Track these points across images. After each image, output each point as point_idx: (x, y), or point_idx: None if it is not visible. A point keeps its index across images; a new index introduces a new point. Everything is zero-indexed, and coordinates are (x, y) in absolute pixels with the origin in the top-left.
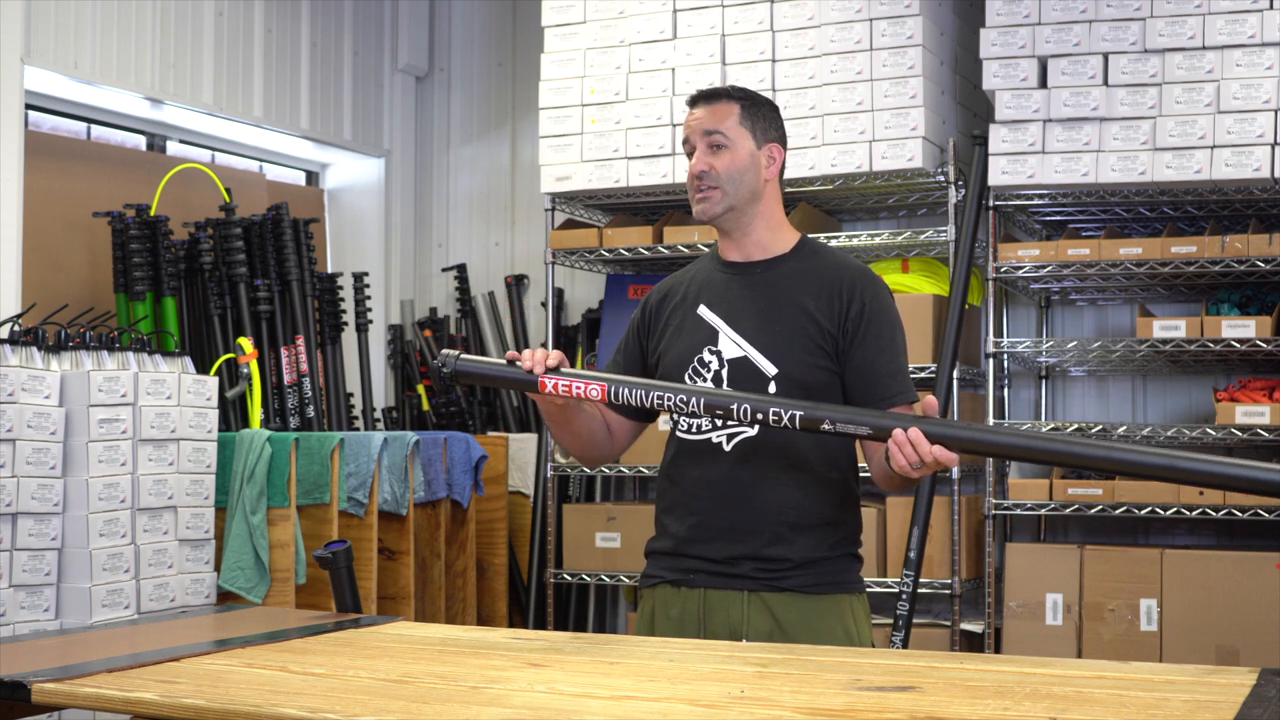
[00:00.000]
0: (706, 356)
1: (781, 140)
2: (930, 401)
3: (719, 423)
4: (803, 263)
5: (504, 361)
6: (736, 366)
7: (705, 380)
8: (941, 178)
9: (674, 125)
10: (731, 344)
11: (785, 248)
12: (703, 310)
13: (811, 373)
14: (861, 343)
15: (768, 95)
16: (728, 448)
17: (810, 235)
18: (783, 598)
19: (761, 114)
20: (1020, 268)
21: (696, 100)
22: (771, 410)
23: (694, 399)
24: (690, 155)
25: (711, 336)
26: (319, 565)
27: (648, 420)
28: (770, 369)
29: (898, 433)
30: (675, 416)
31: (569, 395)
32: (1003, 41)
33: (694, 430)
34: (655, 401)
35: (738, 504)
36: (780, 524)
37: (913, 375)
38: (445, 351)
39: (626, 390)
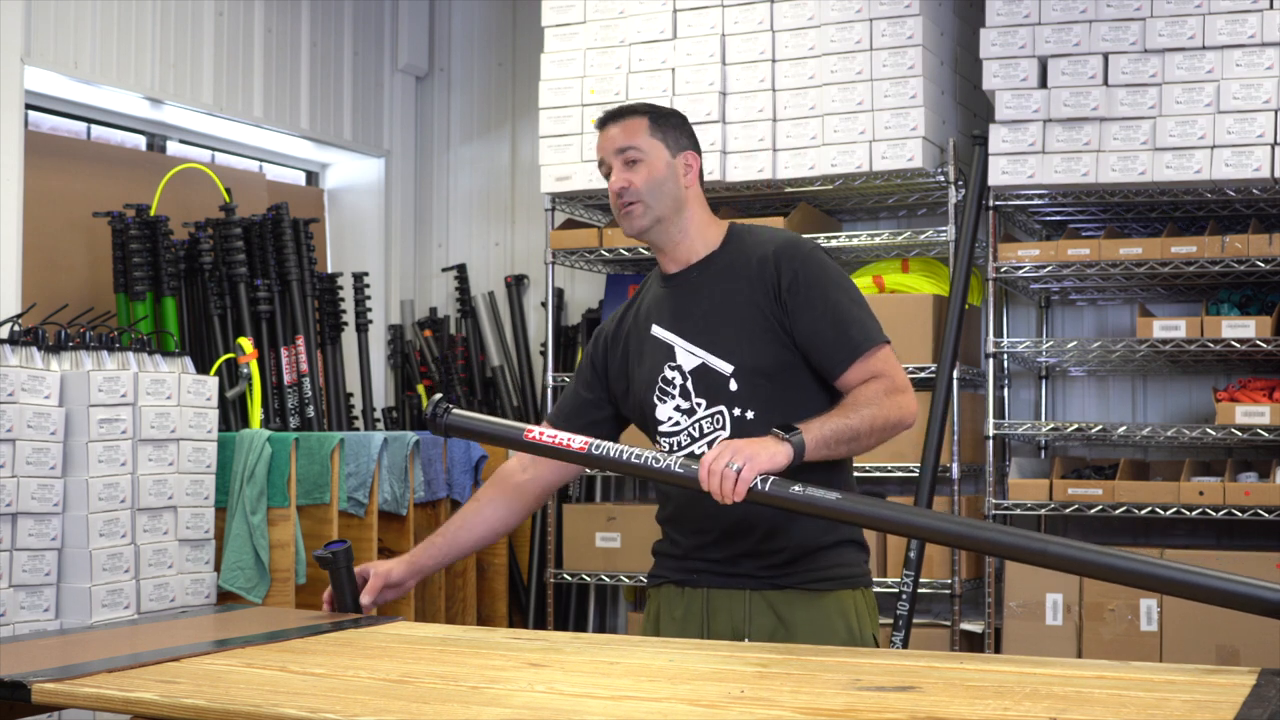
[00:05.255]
0: (669, 373)
1: (696, 148)
2: None
3: (696, 434)
4: (732, 254)
5: (494, 419)
6: (698, 375)
7: (673, 395)
8: (941, 178)
9: None
10: (688, 355)
11: (716, 244)
12: (656, 330)
13: (766, 358)
14: (800, 314)
15: (767, 95)
16: None
17: (735, 221)
18: (785, 595)
19: (670, 124)
20: (1020, 268)
21: (605, 121)
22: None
23: (664, 463)
24: (607, 176)
25: (669, 353)
26: (319, 565)
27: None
28: (726, 367)
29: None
30: (657, 438)
31: (553, 445)
32: (1003, 41)
33: (676, 449)
34: (629, 460)
35: (734, 507)
36: (773, 514)
37: (913, 375)
38: (437, 398)
39: (603, 451)
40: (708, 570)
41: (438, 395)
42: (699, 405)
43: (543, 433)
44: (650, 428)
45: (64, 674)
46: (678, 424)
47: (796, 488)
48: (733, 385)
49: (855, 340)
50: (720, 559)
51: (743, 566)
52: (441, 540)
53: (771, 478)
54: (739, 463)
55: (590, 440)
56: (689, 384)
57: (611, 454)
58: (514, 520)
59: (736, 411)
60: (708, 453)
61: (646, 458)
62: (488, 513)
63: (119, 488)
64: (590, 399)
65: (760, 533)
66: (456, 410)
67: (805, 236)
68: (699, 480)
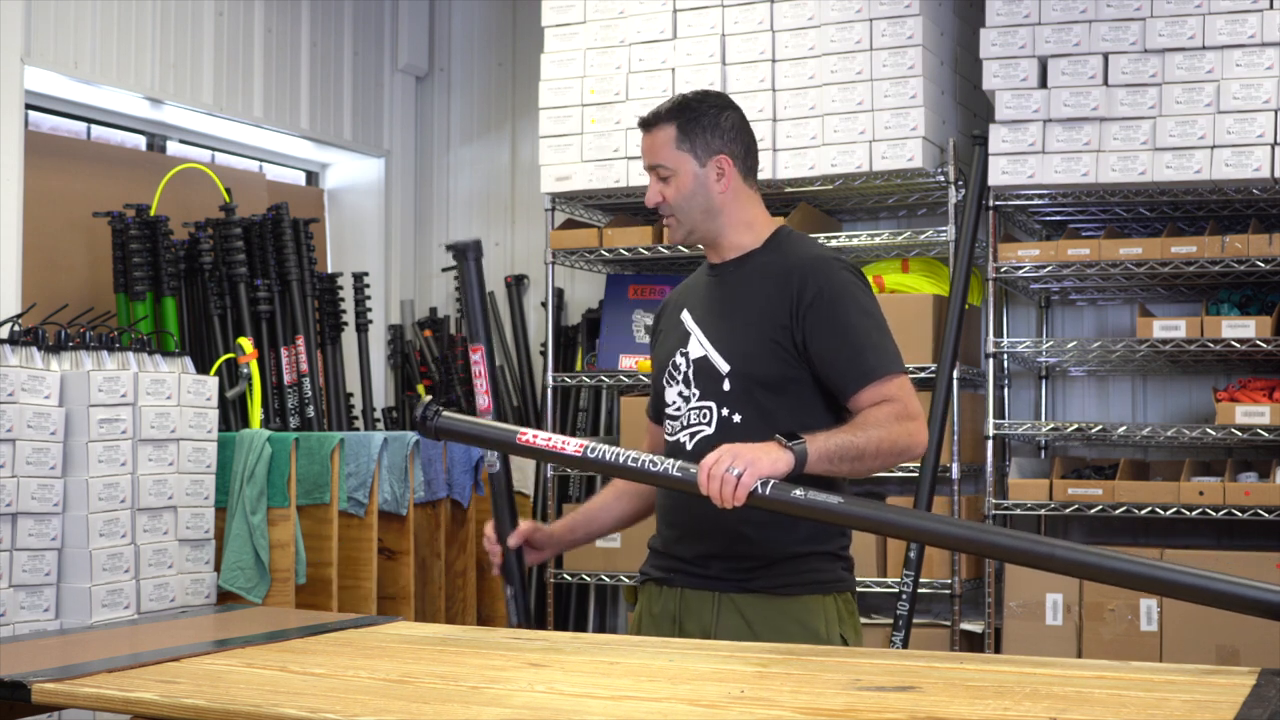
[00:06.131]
0: (678, 359)
1: (730, 148)
2: None
3: (685, 422)
4: (768, 257)
5: (485, 422)
6: (699, 366)
7: (678, 381)
8: (941, 178)
9: None
10: (698, 345)
11: (757, 242)
12: (684, 315)
13: (763, 367)
14: (819, 331)
15: (767, 95)
16: (689, 447)
17: (785, 227)
18: (751, 599)
19: (701, 127)
20: (1020, 268)
21: (640, 126)
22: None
23: (661, 467)
24: None
25: (685, 339)
26: (451, 254)
27: None
28: (724, 366)
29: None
30: (664, 419)
31: (547, 448)
32: (1003, 41)
33: (671, 433)
34: (625, 464)
35: (700, 502)
36: (742, 520)
37: (912, 376)
38: (427, 401)
39: (599, 455)
40: (681, 570)
41: (428, 398)
42: (693, 396)
43: (535, 435)
44: (663, 407)
45: (64, 674)
46: (678, 408)
47: (798, 492)
48: (726, 385)
49: (870, 365)
50: (690, 558)
51: (712, 568)
52: (582, 519)
53: (773, 482)
54: (739, 467)
55: (585, 444)
56: (690, 373)
57: (608, 458)
58: (642, 513)
59: (724, 411)
60: (708, 456)
61: (643, 461)
62: (624, 504)
63: (119, 488)
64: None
65: (729, 535)
66: (447, 413)
67: (844, 258)
68: (698, 484)
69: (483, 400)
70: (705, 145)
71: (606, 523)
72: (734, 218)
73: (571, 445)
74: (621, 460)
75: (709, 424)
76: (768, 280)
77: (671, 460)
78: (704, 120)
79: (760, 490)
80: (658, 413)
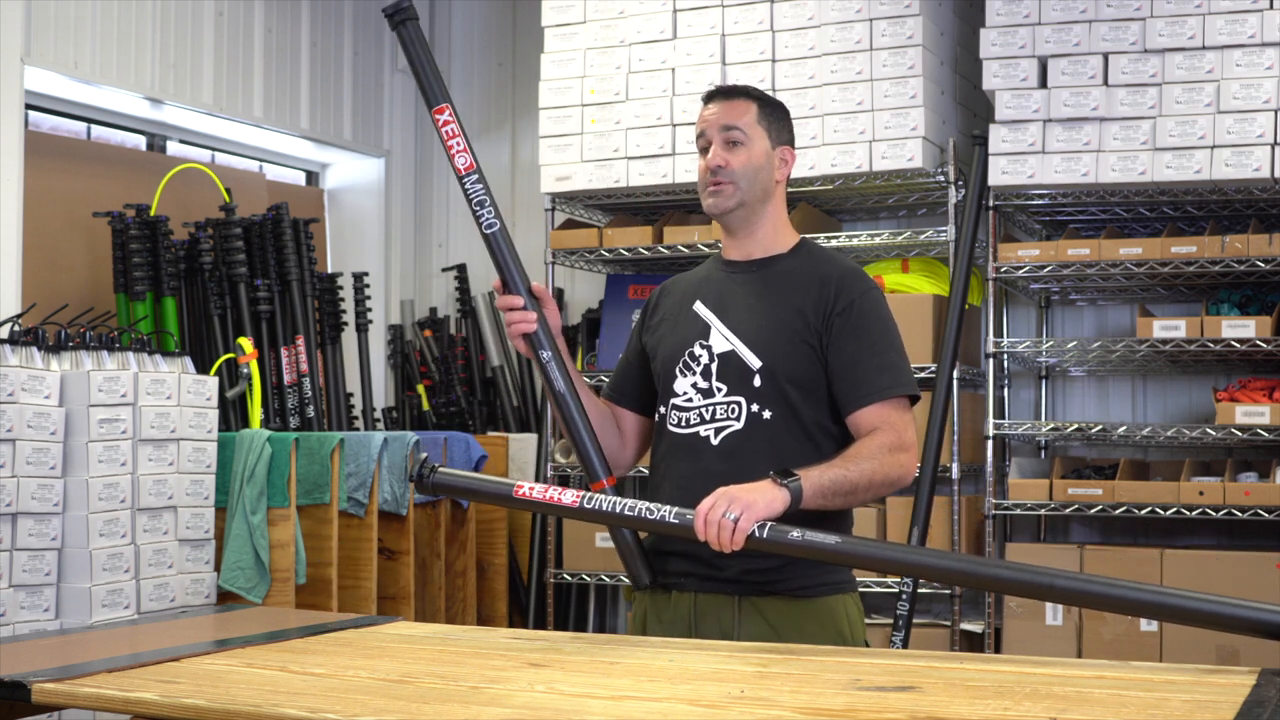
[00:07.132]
0: (697, 350)
1: (792, 144)
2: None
3: (707, 416)
4: (798, 262)
5: (482, 475)
6: (725, 360)
7: (694, 373)
8: (941, 178)
9: (674, 125)
10: (721, 338)
11: (784, 247)
12: (698, 306)
13: (796, 367)
14: (841, 339)
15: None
16: (715, 442)
17: (808, 238)
18: (774, 602)
19: (776, 116)
20: (1020, 268)
21: (713, 96)
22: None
23: (658, 514)
24: (704, 151)
25: (704, 331)
26: (389, 21)
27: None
28: (755, 362)
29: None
30: (665, 409)
31: (544, 501)
32: (1003, 41)
33: (683, 424)
34: (623, 513)
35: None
36: None
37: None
38: (423, 458)
39: (596, 505)
40: (692, 573)
41: (423, 455)
42: (719, 390)
43: (532, 488)
44: (666, 397)
45: (64, 674)
46: (690, 400)
47: (795, 533)
48: (756, 381)
49: (883, 383)
50: (705, 556)
51: (730, 569)
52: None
53: (769, 524)
54: (736, 511)
55: (581, 494)
56: (714, 366)
57: (604, 507)
58: (617, 446)
59: (754, 408)
60: (704, 501)
61: (640, 509)
62: (598, 416)
63: (119, 488)
64: (636, 364)
65: None
66: (443, 469)
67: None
68: (695, 530)
69: (463, 160)
70: (778, 133)
71: (588, 410)
72: (774, 214)
73: (568, 496)
74: (619, 509)
75: (738, 419)
76: (801, 284)
77: (669, 507)
78: (779, 111)
79: (758, 534)
80: (621, 394)
